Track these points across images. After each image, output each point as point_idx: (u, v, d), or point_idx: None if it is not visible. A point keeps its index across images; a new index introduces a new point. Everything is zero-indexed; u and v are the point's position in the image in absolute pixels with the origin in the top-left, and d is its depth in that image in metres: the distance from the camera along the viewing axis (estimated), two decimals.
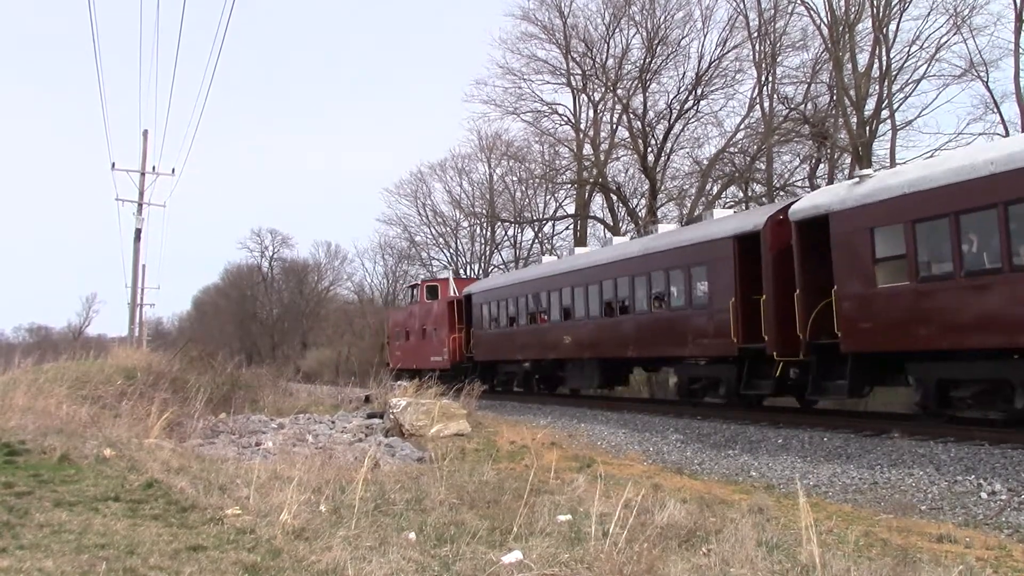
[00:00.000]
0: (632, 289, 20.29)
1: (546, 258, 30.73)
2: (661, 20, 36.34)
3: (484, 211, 51.34)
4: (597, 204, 42.29)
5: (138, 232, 34.65)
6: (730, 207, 34.42)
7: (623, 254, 21.03)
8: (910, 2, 28.49)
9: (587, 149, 40.07)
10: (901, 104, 29.74)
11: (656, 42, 36.39)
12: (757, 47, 33.73)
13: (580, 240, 42.07)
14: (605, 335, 21.60)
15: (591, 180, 39.51)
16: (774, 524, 8.11)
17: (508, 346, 27.39)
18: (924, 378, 13.12)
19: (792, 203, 15.86)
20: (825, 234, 14.26)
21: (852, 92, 29.25)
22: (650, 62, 36.69)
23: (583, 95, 39.80)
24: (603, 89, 38.75)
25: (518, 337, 26.62)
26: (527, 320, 26.08)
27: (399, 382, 24.31)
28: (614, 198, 39.29)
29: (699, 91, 36.29)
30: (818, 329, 14.50)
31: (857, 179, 14.33)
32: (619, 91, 37.82)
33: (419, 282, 37.22)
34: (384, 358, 39.35)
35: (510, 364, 28.19)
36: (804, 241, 14.90)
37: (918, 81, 29.12)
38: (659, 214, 36.94)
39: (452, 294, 32.43)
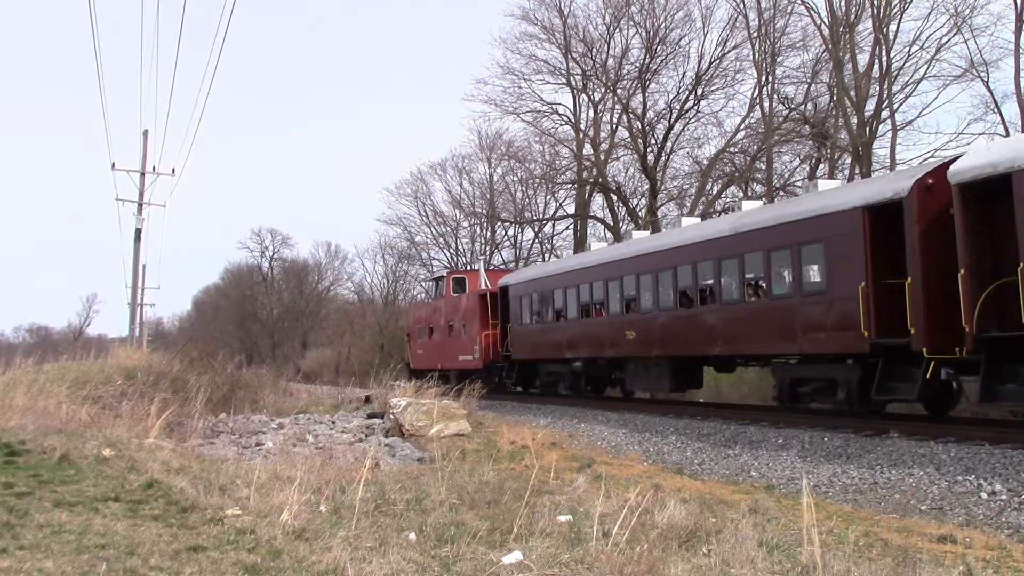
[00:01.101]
0: (718, 275, 17.31)
1: (594, 244, 26.85)
2: (661, 20, 36.37)
3: (484, 211, 51.35)
4: (597, 204, 42.34)
5: (138, 232, 34.67)
6: (730, 207, 34.49)
7: (705, 234, 18.02)
8: (910, 2, 28.47)
9: (587, 149, 40.09)
10: (901, 104, 29.73)
11: (656, 42, 36.40)
12: (757, 47, 33.73)
13: (580, 240, 42.07)
14: (680, 329, 18.58)
15: (591, 180, 39.51)
16: (774, 524, 8.11)
17: (553, 343, 24.23)
18: None
19: (949, 162, 12.94)
20: (1002, 199, 11.60)
21: (852, 92, 29.24)
22: (650, 62, 36.70)
23: (583, 95, 39.82)
24: (603, 89, 38.76)
25: (567, 333, 23.53)
26: (578, 313, 22.95)
27: (399, 382, 24.03)
28: (614, 198, 39.30)
29: (699, 91, 36.31)
30: (984, 319, 11.85)
31: None
32: (619, 91, 37.83)
33: (444, 274, 33.88)
34: (386, 358, 39.03)
35: (555, 363, 25.08)
36: (971, 208, 12.09)
37: (918, 81, 29.11)
38: (659, 214, 36.94)
39: (483, 286, 29.21)
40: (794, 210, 15.88)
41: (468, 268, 44.94)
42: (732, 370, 20.76)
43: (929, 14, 28.38)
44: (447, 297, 31.58)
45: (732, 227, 17.20)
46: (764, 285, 16.33)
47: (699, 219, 24.20)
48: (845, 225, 14.24)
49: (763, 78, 33.73)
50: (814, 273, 15.20)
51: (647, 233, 24.67)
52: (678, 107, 36.81)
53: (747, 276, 16.62)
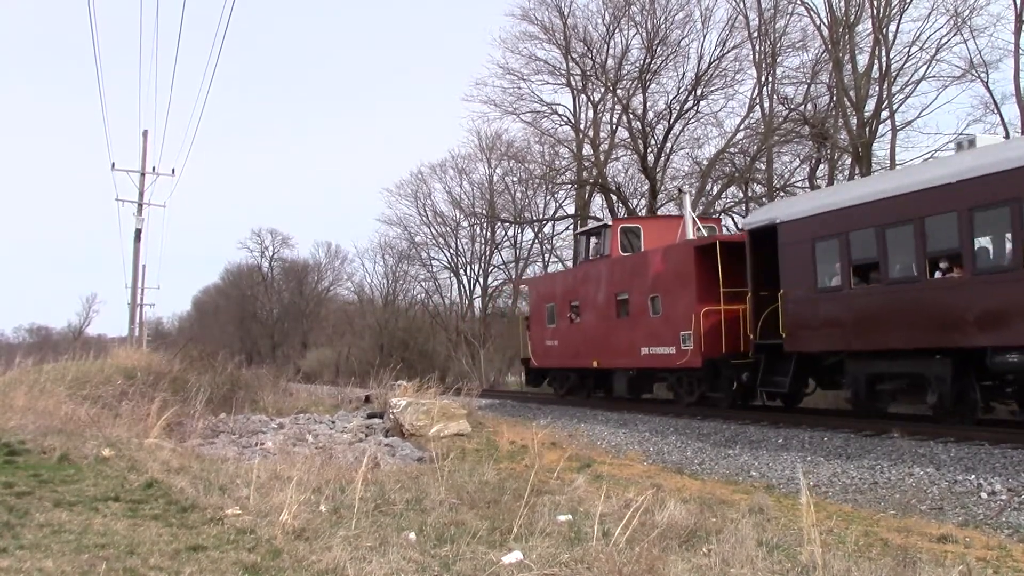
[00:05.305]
0: None
1: (981, 139, 14.38)
2: (661, 20, 36.33)
3: (484, 211, 51.34)
4: (597, 204, 42.29)
5: (138, 232, 34.71)
6: (730, 207, 34.44)
7: None
8: (910, 3, 28.48)
9: (587, 149, 40.08)
10: (901, 105, 29.72)
11: (656, 42, 36.38)
12: (757, 47, 33.72)
13: None
14: None
15: (591, 180, 39.50)
16: (774, 524, 8.11)
17: (922, 320, 13.06)
18: None
19: None
20: None
21: (852, 93, 29.24)
22: (650, 62, 36.67)
23: (583, 95, 39.78)
24: (603, 89, 38.73)
25: (986, 296, 12.14)
26: None
27: (400, 381, 22.12)
28: (614, 198, 39.27)
29: (699, 91, 36.27)
30: None
31: None
32: (619, 91, 37.81)
33: (608, 223, 22.87)
34: (386, 358, 38.40)
35: (901, 359, 13.76)
36: None
37: (918, 82, 29.08)
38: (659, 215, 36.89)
39: (692, 235, 19.57)
40: None
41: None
42: None
43: (929, 15, 28.40)
44: (613, 257, 21.19)
45: None
46: None
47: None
48: None
49: (763, 78, 33.74)
50: None
51: None
52: (678, 107, 36.80)
53: None
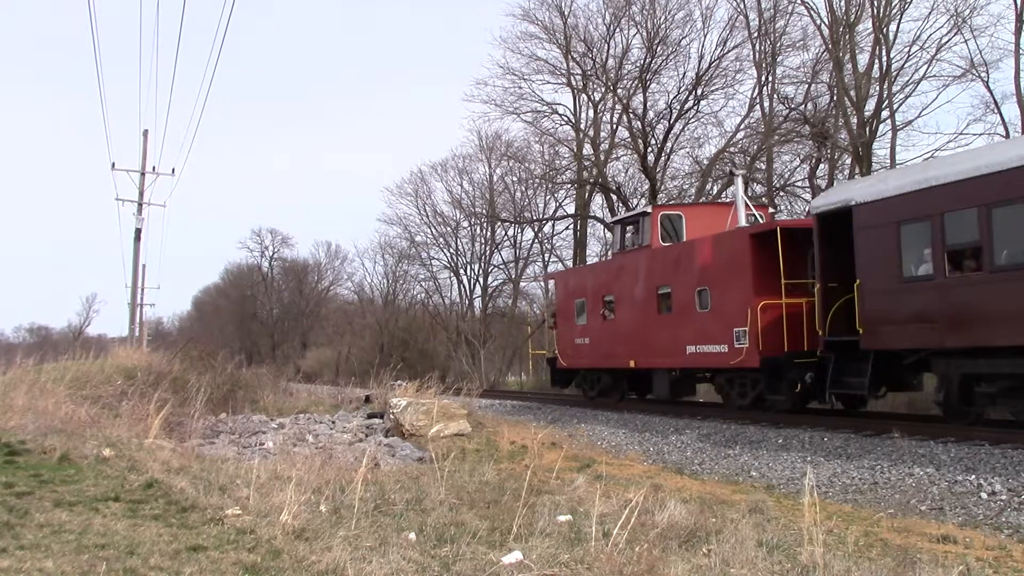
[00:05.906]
0: None
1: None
2: (661, 20, 36.34)
3: (484, 211, 51.35)
4: (597, 204, 42.33)
5: (138, 232, 34.73)
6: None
7: None
8: (910, 2, 28.47)
9: (587, 149, 40.10)
10: (901, 104, 29.73)
11: (656, 42, 36.38)
12: (757, 47, 33.71)
13: (580, 241, 42.05)
14: None
15: (591, 180, 39.52)
16: (774, 524, 8.11)
17: (1023, 312, 11.40)
18: None
19: None
20: None
21: (852, 92, 29.24)
22: (650, 62, 36.68)
23: (583, 95, 39.81)
24: (603, 89, 38.76)
25: None
26: None
27: (399, 381, 22.50)
28: (614, 198, 39.28)
29: (699, 91, 36.28)
30: None
31: None
32: (619, 91, 37.82)
33: (647, 210, 20.31)
34: (386, 358, 38.31)
35: (1009, 357, 11.85)
36: None
37: (918, 81, 29.09)
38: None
39: (744, 222, 17.96)
40: None
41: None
42: None
43: (929, 14, 28.47)
44: (653, 248, 19.36)
45: None
46: None
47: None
48: None
49: (763, 78, 33.74)
50: None
51: None
52: (678, 107, 36.80)
53: None
